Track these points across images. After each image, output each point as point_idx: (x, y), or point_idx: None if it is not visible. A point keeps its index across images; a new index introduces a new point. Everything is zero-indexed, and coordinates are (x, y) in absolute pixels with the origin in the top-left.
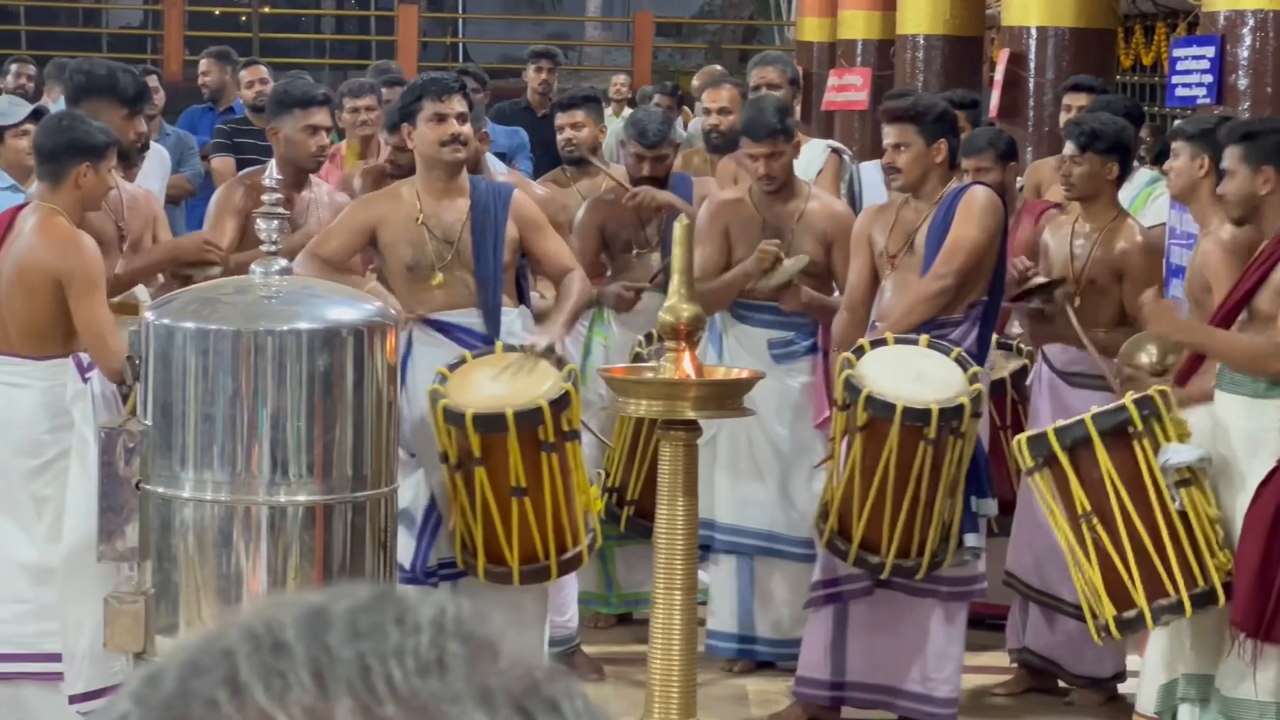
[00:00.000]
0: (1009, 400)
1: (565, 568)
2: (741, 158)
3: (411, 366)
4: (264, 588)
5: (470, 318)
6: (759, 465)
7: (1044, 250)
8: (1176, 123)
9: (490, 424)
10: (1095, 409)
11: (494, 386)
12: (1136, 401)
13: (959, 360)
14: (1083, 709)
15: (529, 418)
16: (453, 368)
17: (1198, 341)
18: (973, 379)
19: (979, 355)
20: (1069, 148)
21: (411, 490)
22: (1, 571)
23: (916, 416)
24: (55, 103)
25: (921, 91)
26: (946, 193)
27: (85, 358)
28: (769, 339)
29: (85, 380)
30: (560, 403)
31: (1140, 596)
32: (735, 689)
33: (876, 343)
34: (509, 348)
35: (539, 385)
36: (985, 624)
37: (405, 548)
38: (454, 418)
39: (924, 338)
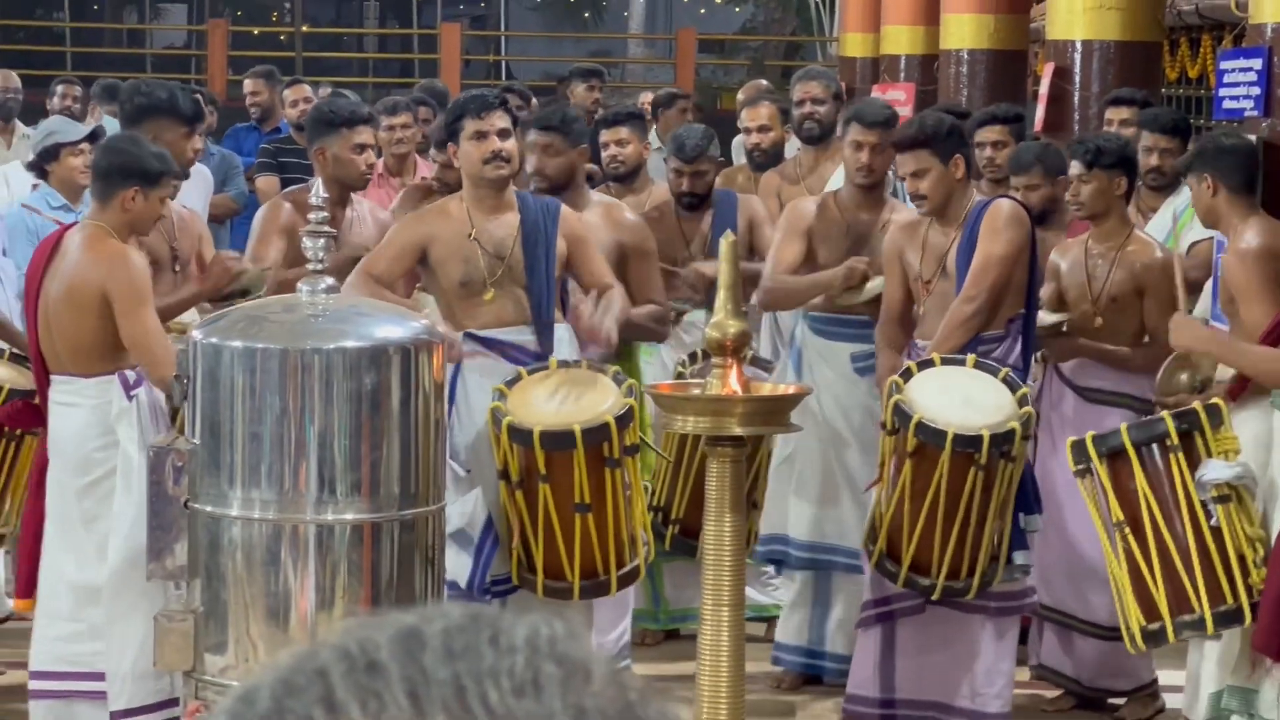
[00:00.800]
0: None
1: (623, 582)
2: (843, 146)
3: (462, 383)
4: (312, 606)
5: (522, 334)
6: (839, 480)
7: (1054, 273)
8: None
9: (558, 441)
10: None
11: (555, 403)
12: (1175, 415)
13: (1007, 381)
14: None
15: (596, 434)
16: (510, 384)
17: (1219, 354)
18: (1021, 401)
19: (1024, 370)
20: (1075, 167)
21: (468, 508)
22: (54, 591)
23: (967, 443)
24: (98, 121)
25: (964, 106)
26: (970, 209)
27: (131, 375)
28: (851, 352)
29: (130, 398)
30: (625, 418)
31: (1164, 610)
32: (783, 706)
33: (923, 364)
34: (563, 363)
35: (602, 401)
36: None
37: (460, 566)
38: (520, 435)
39: (970, 358)
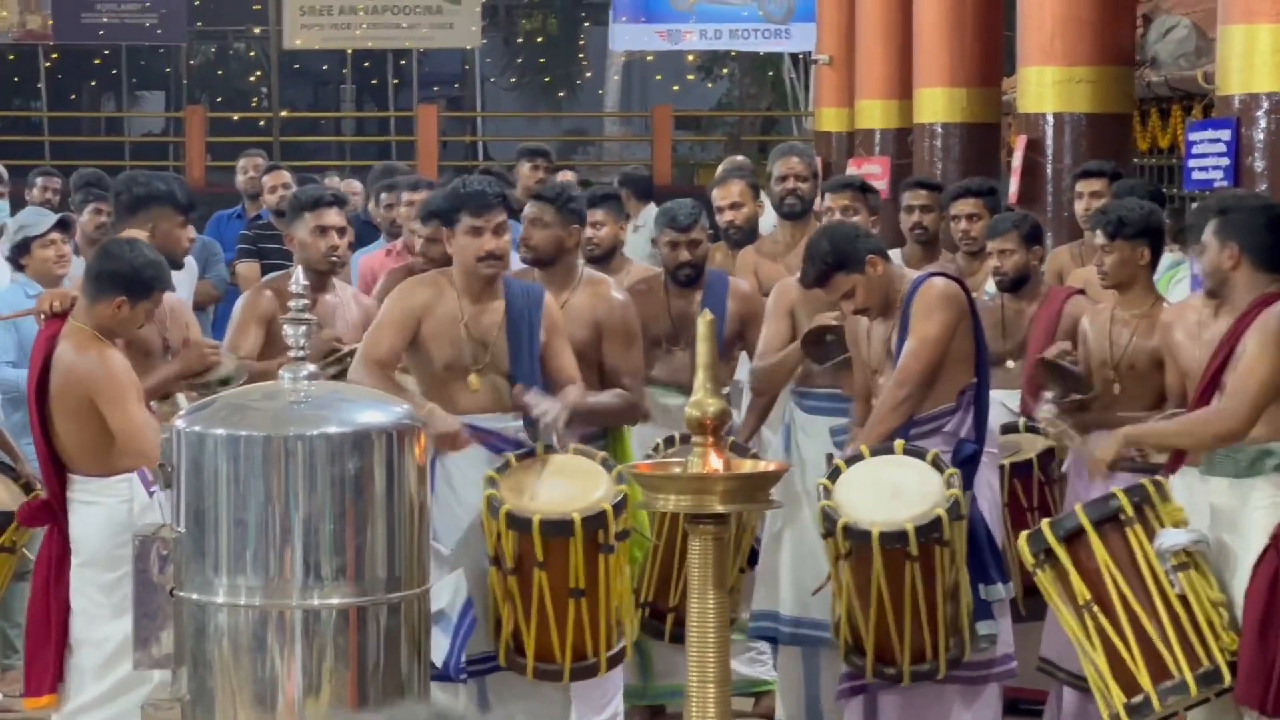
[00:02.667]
0: (1035, 481)
1: (611, 663)
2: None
3: (441, 466)
4: (299, 692)
5: (503, 421)
6: (823, 555)
7: (1082, 338)
8: (1194, 205)
9: (557, 529)
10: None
11: (548, 490)
12: (1126, 490)
13: (935, 463)
14: None
15: (594, 522)
16: (501, 471)
17: (1154, 442)
18: (949, 482)
19: (978, 438)
20: (1099, 237)
21: (448, 589)
22: (80, 684)
23: (893, 539)
24: (78, 213)
25: (939, 178)
26: (904, 292)
27: (150, 472)
28: (831, 426)
29: (151, 493)
30: (620, 506)
31: (1145, 681)
32: None
33: (852, 460)
34: (549, 449)
35: (594, 487)
36: (1020, 709)
37: (439, 647)
38: (518, 523)
39: (899, 443)
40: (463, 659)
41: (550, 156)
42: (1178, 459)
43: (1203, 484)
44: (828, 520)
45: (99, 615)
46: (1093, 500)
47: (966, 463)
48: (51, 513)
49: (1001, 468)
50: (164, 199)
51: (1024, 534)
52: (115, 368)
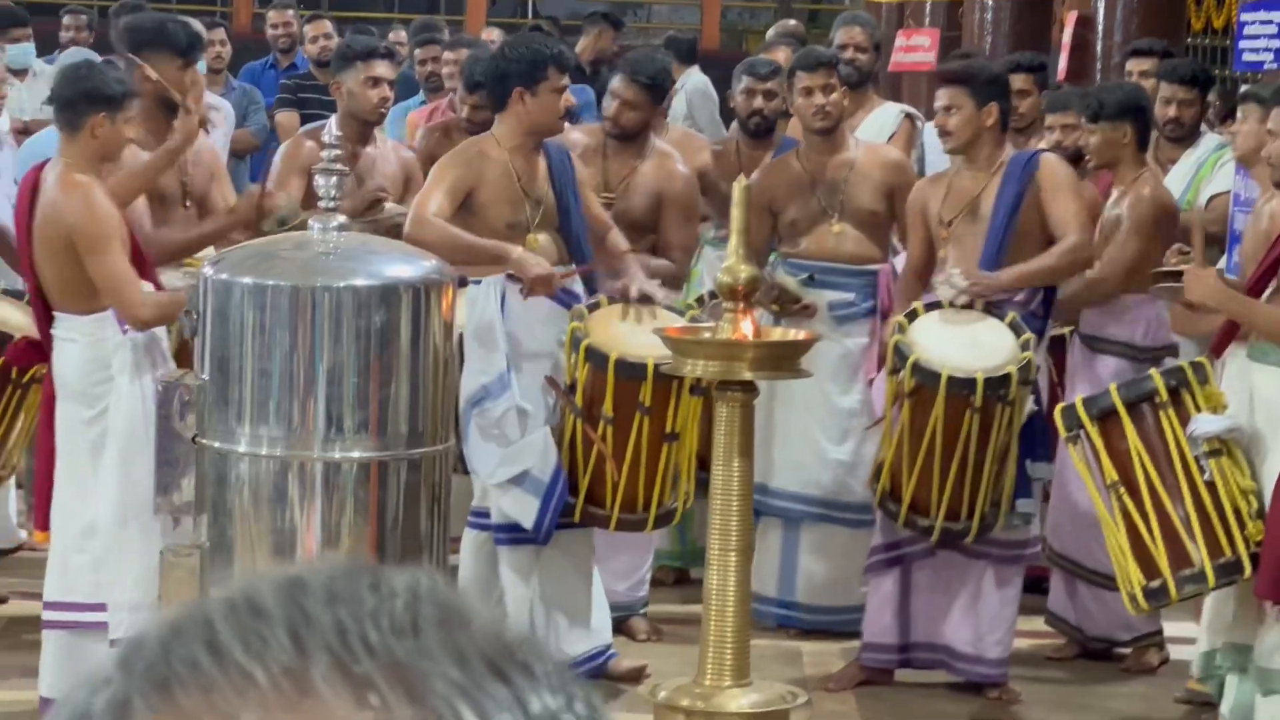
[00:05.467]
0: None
1: (670, 517)
2: (793, 100)
3: (513, 321)
4: (318, 544)
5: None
6: (816, 429)
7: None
8: (1245, 87)
9: (663, 374)
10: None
11: (639, 336)
12: (1164, 372)
13: (1013, 326)
14: (1136, 674)
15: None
16: (580, 320)
17: (1234, 311)
18: (1024, 345)
19: (1045, 315)
20: (1082, 120)
21: (535, 449)
22: (64, 523)
23: (961, 385)
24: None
25: (987, 53)
26: (1007, 159)
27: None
28: (829, 300)
29: (125, 332)
30: None
31: (1165, 566)
32: (789, 650)
33: (930, 306)
34: (612, 300)
35: None
36: (1042, 588)
37: (525, 508)
38: (630, 369)
39: (980, 303)
40: (555, 522)
41: (623, 25)
42: (1226, 337)
43: (1248, 366)
44: (899, 355)
45: (76, 452)
46: (1130, 380)
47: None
48: (42, 351)
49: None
50: (154, 41)
51: (1059, 407)
52: (100, 212)
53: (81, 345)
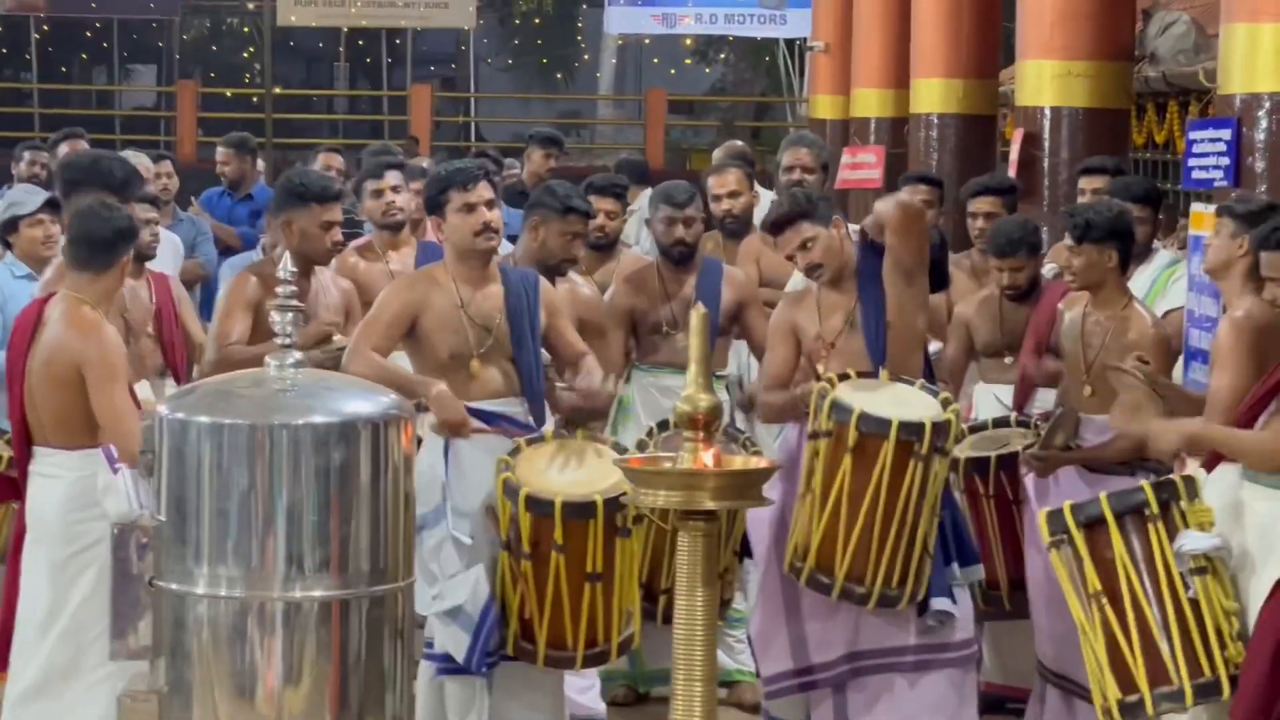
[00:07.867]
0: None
1: (622, 649)
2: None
3: (455, 455)
4: (279, 684)
5: (511, 406)
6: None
7: (1059, 320)
8: (1199, 205)
9: (580, 511)
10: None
11: (561, 474)
12: (1154, 485)
13: (925, 389)
14: None
15: (613, 505)
16: (512, 455)
17: (1217, 444)
18: (945, 403)
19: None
20: (1066, 239)
21: (468, 584)
22: (19, 671)
23: (911, 431)
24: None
25: (934, 170)
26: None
27: (115, 449)
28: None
29: (115, 470)
30: None
31: (1143, 682)
32: None
33: (842, 376)
34: (558, 434)
35: (610, 471)
36: (1006, 708)
37: (458, 642)
38: (539, 505)
39: (884, 372)
40: (486, 654)
41: (563, 144)
42: (1217, 458)
43: (1240, 485)
44: (839, 411)
45: (38, 593)
46: (1119, 490)
47: None
48: (15, 488)
49: (988, 459)
50: (96, 180)
51: (1044, 511)
52: (109, 347)
53: (67, 481)
